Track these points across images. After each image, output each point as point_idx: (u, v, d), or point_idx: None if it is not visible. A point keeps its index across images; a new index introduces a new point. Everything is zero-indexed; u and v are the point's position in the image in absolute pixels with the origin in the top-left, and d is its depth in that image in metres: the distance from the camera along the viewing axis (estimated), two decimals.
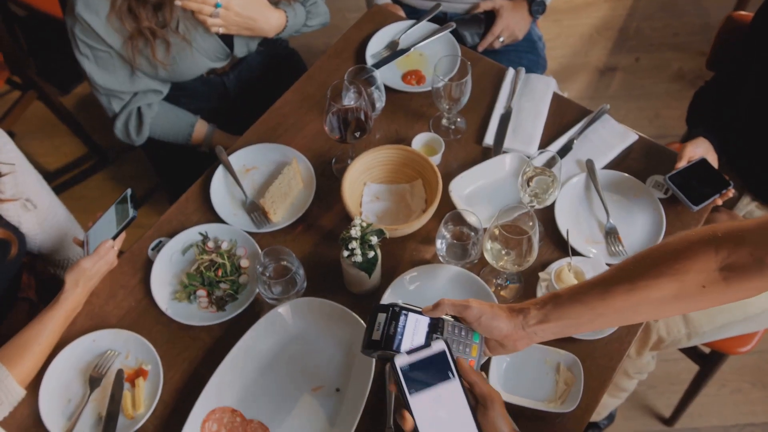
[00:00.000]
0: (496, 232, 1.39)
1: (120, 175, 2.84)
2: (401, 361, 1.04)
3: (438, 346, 1.06)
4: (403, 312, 1.10)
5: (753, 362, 2.41)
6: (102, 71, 1.77)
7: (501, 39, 2.10)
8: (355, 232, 1.39)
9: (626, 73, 3.09)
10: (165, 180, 2.24)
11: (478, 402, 1.05)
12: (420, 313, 1.12)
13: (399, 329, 1.08)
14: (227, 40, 1.83)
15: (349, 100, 1.58)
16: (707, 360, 1.97)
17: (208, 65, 1.85)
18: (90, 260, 1.44)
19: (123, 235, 1.49)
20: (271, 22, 1.84)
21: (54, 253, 1.71)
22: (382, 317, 1.10)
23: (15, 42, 2.40)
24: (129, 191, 1.49)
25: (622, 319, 1.15)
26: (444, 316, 1.13)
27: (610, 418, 2.20)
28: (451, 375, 1.04)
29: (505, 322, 1.12)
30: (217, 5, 1.72)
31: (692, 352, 1.98)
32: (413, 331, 1.09)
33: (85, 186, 2.81)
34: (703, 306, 1.11)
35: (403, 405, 1.02)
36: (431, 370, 1.04)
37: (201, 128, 1.96)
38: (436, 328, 1.11)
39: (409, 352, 1.06)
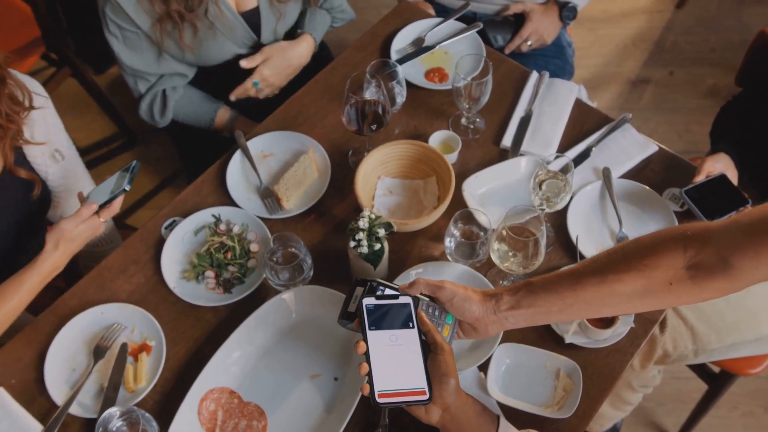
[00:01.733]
0: (504, 233, 1.38)
1: (147, 156, 2.88)
2: (369, 300, 1.12)
3: (405, 299, 1.13)
4: (380, 287, 1.16)
5: (767, 386, 2.36)
6: (130, 51, 1.80)
7: (529, 42, 2.09)
8: (363, 223, 1.39)
9: (658, 86, 3.05)
10: (187, 163, 2.27)
11: (430, 350, 1.11)
12: (396, 290, 1.16)
13: None
14: (255, 26, 1.85)
15: (370, 93, 1.59)
16: (716, 379, 1.93)
17: (235, 51, 1.87)
18: (71, 222, 1.41)
19: (114, 205, 1.46)
20: (303, 53, 1.93)
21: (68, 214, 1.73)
22: (359, 290, 1.16)
23: (54, 19, 2.45)
24: (133, 163, 1.47)
25: (590, 311, 1.16)
26: (420, 296, 1.16)
27: (614, 430, 2.18)
28: (411, 325, 1.11)
29: (477, 306, 1.16)
30: (255, 84, 1.87)
31: (701, 371, 1.95)
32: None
33: (112, 164, 2.86)
34: (670, 304, 1.12)
35: (362, 337, 1.10)
36: (394, 317, 1.11)
37: (224, 114, 1.99)
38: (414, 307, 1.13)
39: (378, 297, 1.12)
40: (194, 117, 1.98)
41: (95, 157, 2.89)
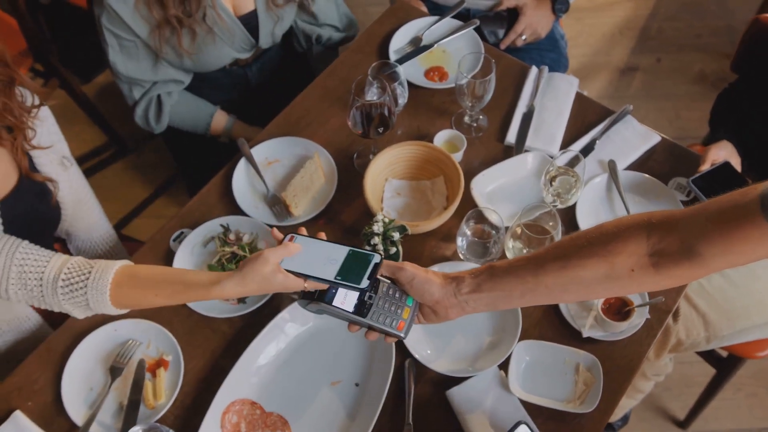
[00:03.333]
0: (519, 230, 1.39)
1: (140, 165, 2.85)
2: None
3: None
4: None
5: None
6: (126, 59, 1.78)
7: (524, 37, 2.09)
8: (377, 227, 1.39)
9: (647, 73, 3.07)
10: (184, 169, 2.26)
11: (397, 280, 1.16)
12: None
13: None
14: (253, 30, 1.84)
15: (371, 95, 1.59)
16: (724, 364, 1.96)
17: (233, 55, 1.85)
18: (280, 275, 1.15)
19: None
20: None
21: (74, 228, 1.71)
22: None
23: (39, 29, 2.41)
24: (378, 257, 1.14)
25: (551, 297, 1.16)
26: (380, 277, 1.16)
27: (625, 419, 2.20)
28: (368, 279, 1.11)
29: (437, 288, 1.14)
30: None
31: (709, 356, 1.97)
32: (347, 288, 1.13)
33: (104, 175, 2.83)
34: (631, 290, 1.12)
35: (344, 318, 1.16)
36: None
37: (220, 119, 1.97)
38: (370, 287, 1.13)
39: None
40: (190, 122, 1.97)
41: (87, 168, 2.85)
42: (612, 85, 3.03)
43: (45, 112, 1.55)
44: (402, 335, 1.15)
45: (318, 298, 1.14)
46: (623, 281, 1.07)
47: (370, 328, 1.16)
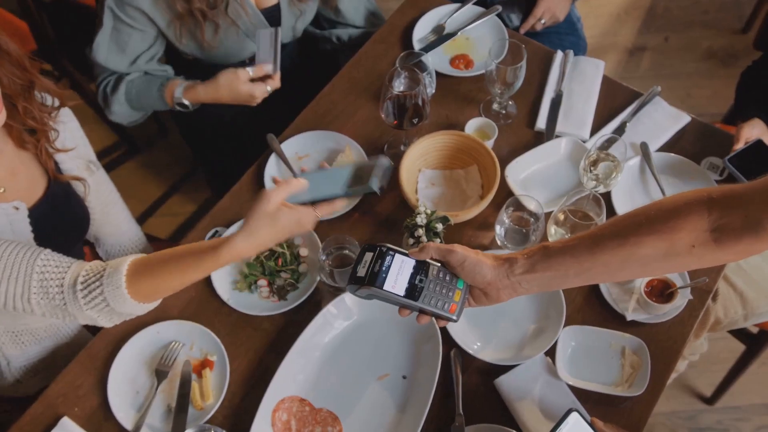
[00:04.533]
0: (562, 217, 1.38)
1: (151, 163, 2.83)
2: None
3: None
4: (390, 252, 1.12)
5: None
6: (109, 47, 1.75)
7: (543, 21, 2.08)
8: (420, 219, 1.38)
9: (656, 52, 3.07)
10: (205, 164, 2.23)
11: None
12: (407, 255, 1.14)
13: (384, 268, 1.10)
14: (274, 24, 1.82)
15: (399, 85, 1.57)
16: (755, 340, 1.97)
17: (253, 49, 1.83)
18: (290, 211, 1.16)
19: (337, 204, 1.23)
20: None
21: (103, 232, 1.70)
22: (369, 255, 1.12)
23: (46, 29, 2.38)
24: (388, 163, 1.25)
25: (607, 275, 1.15)
26: (431, 261, 1.14)
27: None
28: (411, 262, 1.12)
29: (489, 269, 1.13)
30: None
31: (739, 333, 1.98)
32: (398, 271, 1.11)
33: (116, 175, 2.74)
34: (690, 266, 1.10)
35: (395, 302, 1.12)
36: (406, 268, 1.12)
37: (172, 85, 1.77)
38: (420, 270, 1.12)
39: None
40: (145, 93, 1.80)
41: None
42: (621, 66, 3.03)
43: (68, 116, 1.53)
44: (454, 318, 1.14)
45: (368, 283, 1.11)
46: (683, 258, 1.06)
47: (422, 311, 1.15)
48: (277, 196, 1.16)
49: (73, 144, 1.51)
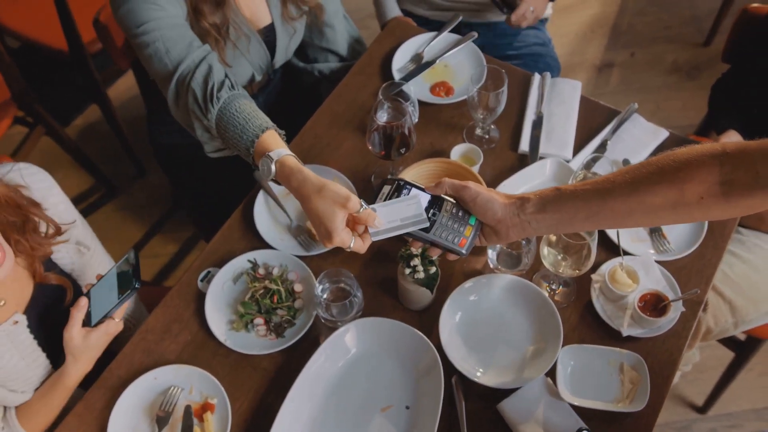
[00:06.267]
0: (554, 238, 1.40)
1: (130, 205, 2.81)
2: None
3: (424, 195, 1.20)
4: (407, 186, 1.19)
5: None
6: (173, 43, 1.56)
7: (531, 9, 2.03)
8: (415, 249, 1.39)
9: (623, 68, 3.14)
10: (189, 201, 2.22)
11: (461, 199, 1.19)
12: (423, 190, 1.20)
13: None
14: (270, 45, 1.82)
15: (384, 115, 1.59)
16: (743, 347, 2.00)
17: (251, 72, 1.83)
18: (71, 328, 1.33)
19: (127, 302, 1.36)
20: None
21: None
22: (387, 188, 1.20)
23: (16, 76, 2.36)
24: (132, 254, 1.35)
25: (615, 222, 1.17)
26: (445, 197, 1.20)
27: None
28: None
29: (500, 206, 1.17)
30: None
31: (728, 340, 2.01)
32: None
33: (94, 219, 2.77)
34: (697, 218, 1.12)
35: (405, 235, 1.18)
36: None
37: (267, 142, 1.40)
38: (434, 205, 1.18)
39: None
40: (239, 127, 1.43)
41: None
42: (591, 83, 3.09)
43: (58, 195, 1.49)
44: (463, 252, 1.18)
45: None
46: (691, 208, 1.08)
47: (432, 244, 1.19)
48: (75, 328, 1.34)
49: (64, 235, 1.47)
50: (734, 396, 2.36)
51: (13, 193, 1.32)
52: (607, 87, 3.08)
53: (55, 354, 1.44)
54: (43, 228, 1.38)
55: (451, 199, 1.20)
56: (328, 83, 2.00)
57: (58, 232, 1.42)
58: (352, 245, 1.18)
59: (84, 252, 1.50)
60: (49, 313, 1.43)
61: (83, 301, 1.35)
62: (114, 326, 1.37)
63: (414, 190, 1.19)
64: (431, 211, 1.18)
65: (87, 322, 1.35)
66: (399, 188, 1.19)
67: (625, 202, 1.10)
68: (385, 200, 1.18)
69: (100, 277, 1.39)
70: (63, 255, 1.46)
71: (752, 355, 2.01)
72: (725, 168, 1.04)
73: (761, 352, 2.41)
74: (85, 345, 1.35)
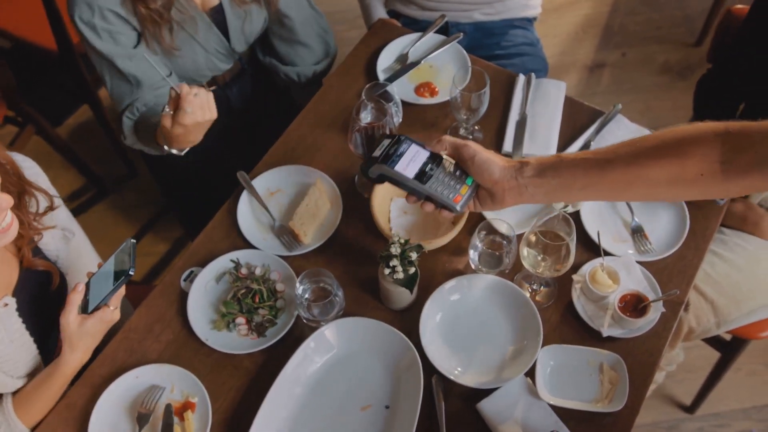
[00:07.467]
0: (533, 238, 1.40)
1: (121, 205, 2.82)
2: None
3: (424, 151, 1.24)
4: (408, 141, 1.23)
5: (765, 344, 2.46)
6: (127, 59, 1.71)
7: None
8: (395, 249, 1.39)
9: (614, 68, 3.14)
10: (176, 203, 2.23)
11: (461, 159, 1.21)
12: (423, 146, 1.23)
13: (399, 152, 1.22)
14: (221, 27, 1.82)
15: (366, 116, 1.59)
16: (729, 347, 2.01)
17: (212, 61, 1.84)
18: (67, 314, 1.33)
19: (122, 289, 1.36)
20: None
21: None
22: (387, 141, 1.24)
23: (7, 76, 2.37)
24: (131, 242, 1.36)
25: (612, 194, 1.17)
26: (445, 156, 1.22)
27: None
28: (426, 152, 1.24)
29: (498, 168, 1.17)
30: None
31: (714, 340, 2.02)
32: (412, 157, 1.22)
33: (86, 219, 2.78)
34: (694, 195, 1.12)
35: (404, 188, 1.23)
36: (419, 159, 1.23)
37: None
38: (433, 161, 1.22)
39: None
40: (146, 139, 1.75)
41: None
42: (582, 83, 3.10)
43: (44, 184, 1.50)
44: (457, 208, 1.20)
45: (382, 161, 1.21)
46: (689, 185, 1.08)
47: (428, 198, 1.22)
48: (71, 314, 1.32)
49: (50, 220, 1.48)
50: (722, 396, 2.36)
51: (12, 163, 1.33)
52: (598, 87, 3.08)
53: (42, 339, 1.45)
54: (34, 208, 1.40)
55: (451, 160, 1.22)
56: (298, 88, 2.02)
57: (52, 207, 1.43)
58: None
59: (70, 238, 1.51)
60: (36, 298, 1.43)
61: (80, 286, 1.34)
62: (109, 314, 1.36)
63: (414, 145, 1.22)
64: (429, 166, 1.20)
65: (84, 310, 1.35)
66: (399, 142, 1.22)
67: (624, 173, 1.10)
68: (383, 150, 1.22)
69: (101, 266, 1.39)
70: (48, 241, 1.46)
71: (737, 355, 2.02)
72: (726, 147, 1.04)
73: (749, 352, 2.43)
74: (81, 332, 1.34)
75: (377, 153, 1.22)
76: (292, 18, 1.90)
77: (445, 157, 1.22)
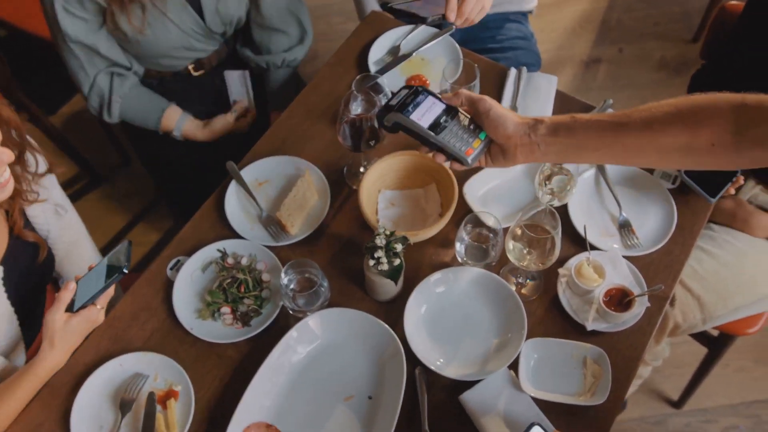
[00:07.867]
0: (519, 232, 1.40)
1: (114, 194, 2.81)
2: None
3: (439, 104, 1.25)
4: (425, 93, 1.25)
5: (754, 340, 2.45)
6: (84, 28, 1.78)
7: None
8: (380, 240, 1.39)
9: (611, 64, 3.14)
10: (167, 193, 2.23)
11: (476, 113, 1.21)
12: (440, 99, 1.24)
13: (415, 102, 1.23)
14: (196, 6, 1.84)
15: (356, 107, 1.59)
16: (716, 343, 2.01)
17: (190, 42, 1.83)
18: (54, 311, 1.32)
19: (111, 289, 1.36)
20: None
21: (65, 271, 1.68)
22: (404, 92, 1.25)
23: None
24: (127, 243, 1.35)
25: (624, 158, 1.17)
26: (461, 110, 1.24)
27: (623, 405, 2.24)
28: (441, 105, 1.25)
29: (512, 124, 1.17)
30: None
31: (701, 336, 2.02)
32: (428, 108, 1.23)
33: (79, 207, 2.73)
34: (705, 165, 1.12)
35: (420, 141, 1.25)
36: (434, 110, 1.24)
37: (173, 114, 1.99)
38: (448, 113, 1.23)
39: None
40: (141, 114, 1.98)
41: None
42: (578, 78, 3.09)
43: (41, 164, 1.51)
44: (468, 161, 1.21)
45: (398, 110, 1.22)
46: (700, 154, 1.08)
47: (440, 149, 1.23)
48: (58, 312, 1.31)
49: (42, 193, 1.49)
50: (710, 391, 2.37)
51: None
52: (594, 82, 3.08)
53: (23, 313, 1.45)
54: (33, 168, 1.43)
55: (467, 114, 1.23)
56: (269, 77, 2.09)
57: (51, 170, 1.45)
58: None
59: (62, 214, 1.51)
60: (21, 270, 1.44)
61: (71, 285, 1.34)
62: (96, 313, 1.36)
63: (430, 97, 1.23)
64: (444, 118, 1.21)
65: (69, 308, 1.35)
66: (416, 93, 1.23)
67: (637, 138, 1.10)
68: (399, 100, 1.23)
69: (91, 268, 1.38)
70: (38, 214, 1.47)
71: (724, 351, 2.02)
72: (740, 119, 1.04)
73: (738, 348, 2.43)
74: (64, 330, 1.34)
75: (393, 102, 1.23)
76: (267, 2, 1.92)
77: (460, 111, 1.23)
